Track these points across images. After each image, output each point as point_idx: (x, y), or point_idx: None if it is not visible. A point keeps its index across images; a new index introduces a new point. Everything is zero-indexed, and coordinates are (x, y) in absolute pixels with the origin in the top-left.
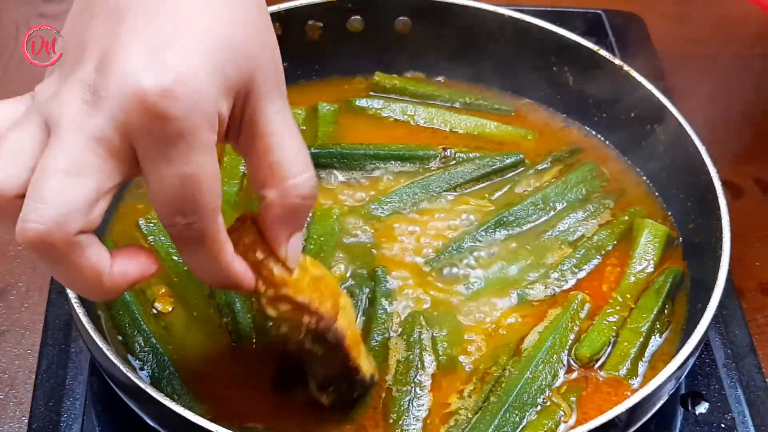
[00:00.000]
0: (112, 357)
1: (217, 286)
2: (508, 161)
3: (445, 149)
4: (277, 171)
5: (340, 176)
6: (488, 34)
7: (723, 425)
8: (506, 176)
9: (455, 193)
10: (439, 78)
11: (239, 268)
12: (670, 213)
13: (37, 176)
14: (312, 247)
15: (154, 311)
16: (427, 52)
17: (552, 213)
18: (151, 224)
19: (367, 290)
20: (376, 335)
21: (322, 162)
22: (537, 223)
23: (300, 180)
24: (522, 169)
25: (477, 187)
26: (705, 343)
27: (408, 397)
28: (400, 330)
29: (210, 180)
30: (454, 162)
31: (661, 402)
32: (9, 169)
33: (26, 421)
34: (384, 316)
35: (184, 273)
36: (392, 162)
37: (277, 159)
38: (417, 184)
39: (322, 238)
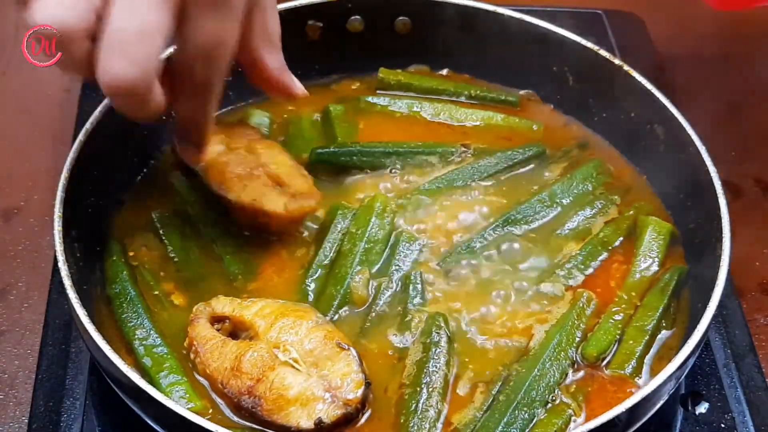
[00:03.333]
0: (112, 357)
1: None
2: (529, 153)
3: (464, 146)
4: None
5: (359, 174)
6: (488, 34)
7: (723, 425)
8: (527, 168)
9: (475, 190)
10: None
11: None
12: (670, 212)
13: (116, 29)
14: (346, 244)
15: (169, 303)
16: (427, 52)
17: (558, 209)
18: (161, 217)
19: (388, 293)
20: (396, 338)
21: (342, 160)
22: (545, 220)
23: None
24: (542, 160)
25: (501, 178)
26: (705, 343)
27: (419, 398)
28: (418, 332)
29: (232, 45)
30: (472, 156)
31: (661, 402)
32: (78, 10)
33: (26, 421)
34: (407, 319)
35: (194, 267)
36: (410, 158)
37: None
38: (438, 179)
39: (359, 231)
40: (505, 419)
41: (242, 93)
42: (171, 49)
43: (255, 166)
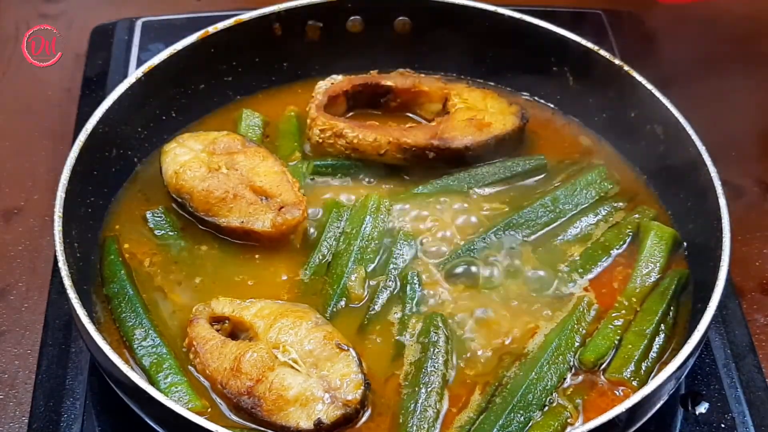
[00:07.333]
0: (112, 357)
1: None
2: (530, 165)
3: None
4: None
5: (360, 179)
6: (488, 34)
7: (723, 425)
8: (527, 181)
9: (475, 195)
10: (437, 75)
11: None
12: (670, 213)
13: None
14: (342, 244)
15: (167, 303)
16: (427, 52)
17: (561, 215)
18: (158, 217)
19: (386, 293)
20: (394, 337)
21: (339, 173)
22: (547, 225)
23: None
24: (544, 175)
25: (498, 188)
26: (705, 343)
27: (417, 399)
28: (416, 332)
29: None
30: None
31: (661, 402)
32: None
33: (26, 421)
34: (405, 319)
35: (192, 267)
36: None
37: None
38: (434, 184)
39: (353, 231)
40: (500, 422)
41: (238, 92)
42: None
43: (238, 184)
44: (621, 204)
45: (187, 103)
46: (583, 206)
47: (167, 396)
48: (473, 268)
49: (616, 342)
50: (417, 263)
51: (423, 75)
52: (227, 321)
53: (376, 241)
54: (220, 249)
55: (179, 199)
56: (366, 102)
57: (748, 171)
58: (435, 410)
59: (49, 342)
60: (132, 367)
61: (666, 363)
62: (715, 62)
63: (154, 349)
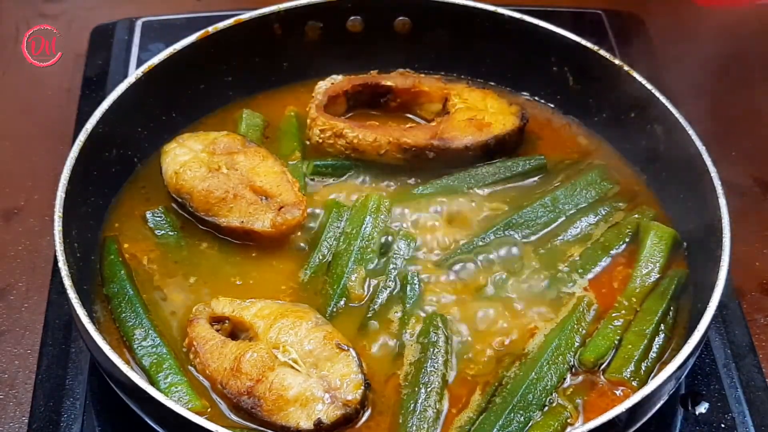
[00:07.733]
0: (112, 357)
1: None
2: (530, 165)
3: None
4: None
5: (359, 179)
6: (488, 34)
7: (723, 425)
8: (527, 181)
9: (475, 195)
10: (437, 75)
11: None
12: (670, 213)
13: None
14: (342, 244)
15: (167, 303)
16: (427, 51)
17: (561, 215)
18: (158, 217)
19: (386, 293)
20: (394, 337)
21: (339, 173)
22: (547, 225)
23: None
24: (544, 175)
25: (497, 188)
26: (705, 343)
27: (417, 399)
28: (416, 332)
29: None
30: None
31: (661, 402)
32: None
33: (26, 421)
34: (405, 319)
35: (192, 267)
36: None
37: None
38: (434, 184)
39: (354, 231)
40: (500, 422)
41: (238, 92)
42: None
43: (238, 184)
44: (621, 204)
45: (187, 103)
46: (583, 206)
47: (167, 396)
48: (473, 268)
49: (616, 342)
50: (417, 263)
51: (423, 75)
52: (227, 321)
53: (376, 241)
54: (220, 249)
55: (179, 199)
56: (366, 102)
57: (748, 171)
58: (435, 410)
59: (49, 342)
60: (132, 367)
61: (666, 363)
62: (715, 62)
63: (154, 349)
